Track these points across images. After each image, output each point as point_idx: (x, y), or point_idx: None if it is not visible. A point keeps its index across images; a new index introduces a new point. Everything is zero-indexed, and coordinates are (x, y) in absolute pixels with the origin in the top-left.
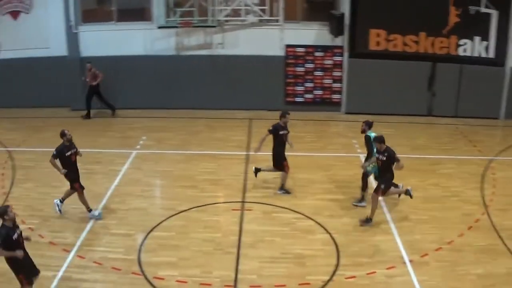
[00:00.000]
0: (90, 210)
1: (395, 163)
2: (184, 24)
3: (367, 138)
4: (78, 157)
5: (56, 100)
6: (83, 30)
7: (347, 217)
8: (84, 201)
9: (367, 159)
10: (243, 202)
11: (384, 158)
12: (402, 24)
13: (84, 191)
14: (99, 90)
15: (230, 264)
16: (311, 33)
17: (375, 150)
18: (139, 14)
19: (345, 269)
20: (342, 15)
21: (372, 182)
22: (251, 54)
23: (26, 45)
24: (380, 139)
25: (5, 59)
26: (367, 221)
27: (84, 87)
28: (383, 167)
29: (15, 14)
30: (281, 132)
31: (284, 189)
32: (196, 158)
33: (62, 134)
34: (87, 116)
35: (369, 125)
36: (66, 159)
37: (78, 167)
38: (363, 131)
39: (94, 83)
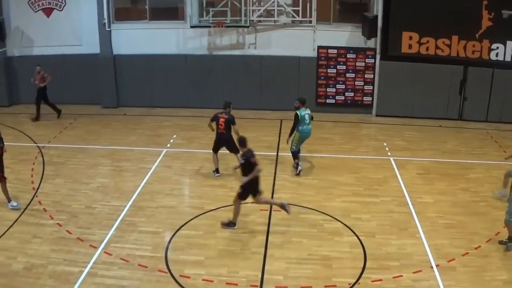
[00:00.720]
0: (9, 201)
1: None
2: (217, 24)
3: (296, 116)
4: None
5: (87, 97)
6: (116, 28)
7: (375, 220)
8: (5, 191)
9: (290, 134)
10: None
11: (243, 161)
12: (435, 27)
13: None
14: (45, 93)
15: (256, 264)
16: (343, 35)
17: (299, 127)
18: (172, 13)
19: (371, 272)
20: (375, 17)
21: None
22: (283, 54)
23: (59, 42)
24: (240, 142)
25: (38, 55)
26: (229, 224)
27: (114, 84)
28: (243, 171)
29: (48, 11)
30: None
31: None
32: (226, 157)
33: None
34: (37, 118)
35: (302, 102)
36: None
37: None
38: (297, 108)
39: (42, 85)
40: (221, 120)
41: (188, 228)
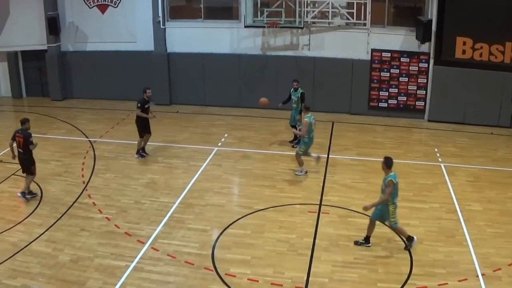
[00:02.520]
0: None
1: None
2: (271, 24)
3: (302, 94)
4: None
5: (140, 93)
6: (171, 26)
7: (423, 226)
8: None
9: (300, 112)
10: (320, 204)
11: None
12: (489, 33)
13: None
14: None
15: (302, 266)
16: (397, 38)
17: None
18: (227, 12)
19: (417, 278)
20: (429, 21)
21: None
22: (336, 57)
23: (113, 38)
24: (23, 121)
25: (92, 51)
26: (28, 194)
27: (167, 82)
28: None
29: (103, 8)
30: (146, 106)
31: (140, 153)
32: (277, 158)
33: None
34: None
35: (298, 82)
36: None
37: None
38: (296, 89)
39: None
40: None
41: (236, 227)
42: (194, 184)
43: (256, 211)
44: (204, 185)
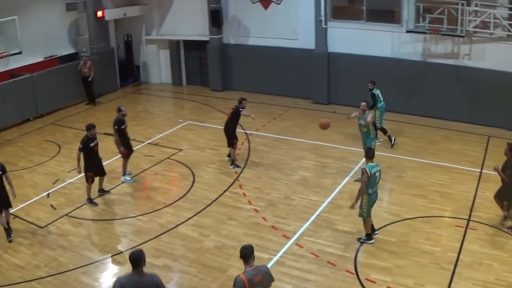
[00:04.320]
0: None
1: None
2: (433, 31)
3: (373, 95)
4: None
5: (298, 91)
6: (332, 26)
7: None
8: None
9: (371, 109)
10: (468, 220)
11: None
12: None
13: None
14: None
15: (443, 280)
16: None
17: (378, 105)
18: (389, 16)
19: None
20: None
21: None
22: (497, 69)
23: (275, 34)
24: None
25: (252, 45)
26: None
27: (326, 81)
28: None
29: (266, 4)
30: (241, 109)
31: (235, 164)
32: (429, 167)
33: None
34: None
35: (374, 83)
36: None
37: None
38: (371, 89)
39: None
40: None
41: (382, 233)
42: (345, 185)
43: (403, 220)
44: (355, 187)
